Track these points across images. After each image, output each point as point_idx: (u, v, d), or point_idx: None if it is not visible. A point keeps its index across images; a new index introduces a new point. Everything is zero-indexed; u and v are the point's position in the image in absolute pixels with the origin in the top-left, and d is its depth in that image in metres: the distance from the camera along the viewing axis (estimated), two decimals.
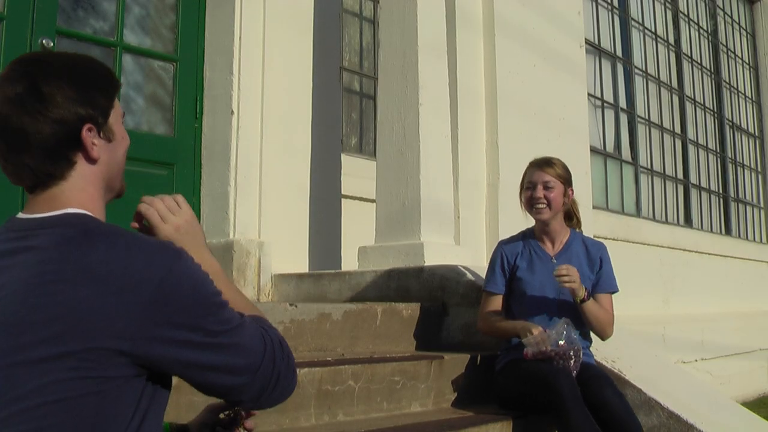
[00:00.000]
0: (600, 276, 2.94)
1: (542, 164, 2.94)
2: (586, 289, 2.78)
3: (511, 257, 3.00)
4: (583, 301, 2.76)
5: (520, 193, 3.01)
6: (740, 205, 9.31)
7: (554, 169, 2.92)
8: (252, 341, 1.26)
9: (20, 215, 1.27)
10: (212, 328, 1.20)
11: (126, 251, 1.18)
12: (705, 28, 9.15)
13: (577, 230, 3.06)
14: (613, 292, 2.96)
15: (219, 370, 1.21)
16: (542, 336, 2.67)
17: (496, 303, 2.99)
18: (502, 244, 3.08)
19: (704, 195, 8.61)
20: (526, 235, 3.05)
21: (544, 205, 2.89)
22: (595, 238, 3.29)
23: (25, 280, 1.17)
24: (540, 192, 2.89)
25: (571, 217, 3.06)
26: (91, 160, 1.29)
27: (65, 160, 1.26)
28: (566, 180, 2.95)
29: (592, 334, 2.95)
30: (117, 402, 1.16)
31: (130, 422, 1.17)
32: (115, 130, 1.34)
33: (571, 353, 2.66)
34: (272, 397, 1.30)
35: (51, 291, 1.14)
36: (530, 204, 2.93)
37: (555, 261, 2.93)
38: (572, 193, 2.99)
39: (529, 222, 3.06)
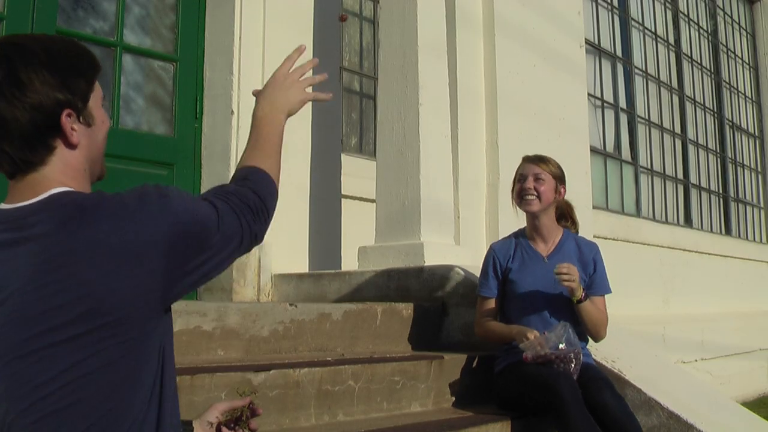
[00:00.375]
0: (594, 278, 2.92)
1: (535, 159, 2.96)
2: (583, 288, 2.78)
3: (503, 259, 2.98)
4: (580, 301, 2.75)
5: (512, 188, 3.00)
6: (740, 205, 9.31)
7: (547, 165, 2.92)
8: (233, 219, 1.31)
9: (3, 206, 1.25)
10: (215, 240, 1.27)
11: (129, 217, 1.19)
12: (705, 28, 9.15)
13: (572, 231, 3.04)
14: (606, 294, 2.94)
15: (225, 257, 1.30)
16: (539, 340, 2.67)
17: (491, 306, 2.98)
18: (494, 247, 3.07)
19: (704, 195, 8.61)
20: (517, 236, 3.04)
21: (534, 197, 2.87)
22: (593, 239, 3.29)
23: (33, 270, 1.16)
24: (530, 183, 2.88)
25: (565, 218, 3.05)
26: (71, 146, 1.27)
27: (44, 146, 1.25)
28: (558, 177, 2.93)
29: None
30: (148, 349, 1.21)
31: (156, 363, 1.23)
32: (95, 114, 1.32)
33: (572, 356, 2.66)
34: (261, 230, 1.38)
35: (67, 273, 1.14)
36: (520, 196, 2.92)
37: (547, 261, 2.91)
38: (564, 191, 2.96)
39: (522, 223, 3.04)
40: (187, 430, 1.47)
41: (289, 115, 1.55)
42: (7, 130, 1.22)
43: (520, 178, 2.95)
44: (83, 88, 1.29)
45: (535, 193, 2.87)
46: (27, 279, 1.15)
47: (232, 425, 1.47)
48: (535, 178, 2.88)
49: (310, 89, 1.48)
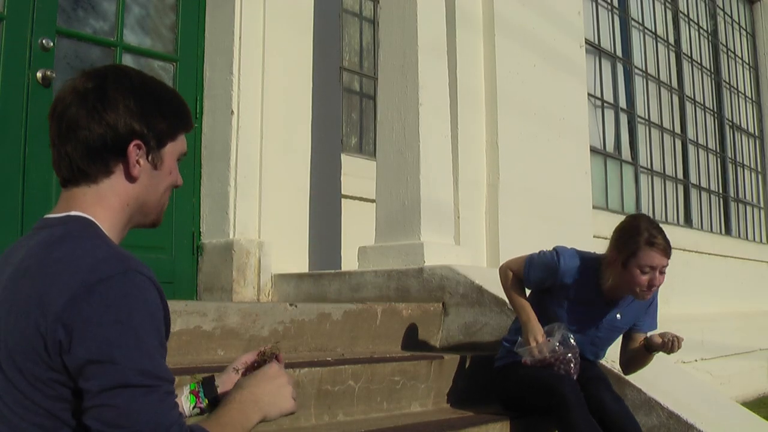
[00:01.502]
0: (646, 316, 2.83)
1: (667, 248, 2.65)
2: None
3: (572, 273, 2.73)
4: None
5: (627, 260, 2.62)
6: (740, 205, 9.31)
7: (671, 252, 2.68)
8: (153, 409, 1.13)
9: (47, 215, 1.31)
10: (118, 360, 1.11)
11: (81, 254, 1.19)
12: (705, 28, 9.15)
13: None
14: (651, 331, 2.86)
15: (98, 402, 1.12)
16: (540, 347, 2.66)
17: (523, 286, 2.84)
18: (567, 259, 2.75)
19: (704, 195, 8.61)
20: (594, 268, 2.75)
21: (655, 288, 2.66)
22: (595, 239, 3.27)
23: (9, 276, 1.22)
24: (660, 280, 2.64)
25: None
26: (130, 177, 1.30)
27: (103, 164, 1.28)
28: None
29: None
30: (59, 401, 1.16)
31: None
32: (165, 161, 1.34)
33: (570, 356, 2.66)
34: None
35: (18, 286, 1.19)
36: (642, 287, 2.62)
37: (606, 305, 2.75)
38: None
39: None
40: (209, 382, 1.49)
41: (263, 420, 1.33)
42: (77, 136, 1.26)
43: (647, 269, 2.61)
44: (162, 130, 1.32)
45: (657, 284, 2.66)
46: (6, 281, 1.23)
47: (256, 365, 1.48)
48: (660, 271, 2.63)
49: (293, 401, 1.36)
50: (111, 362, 1.11)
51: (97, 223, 1.27)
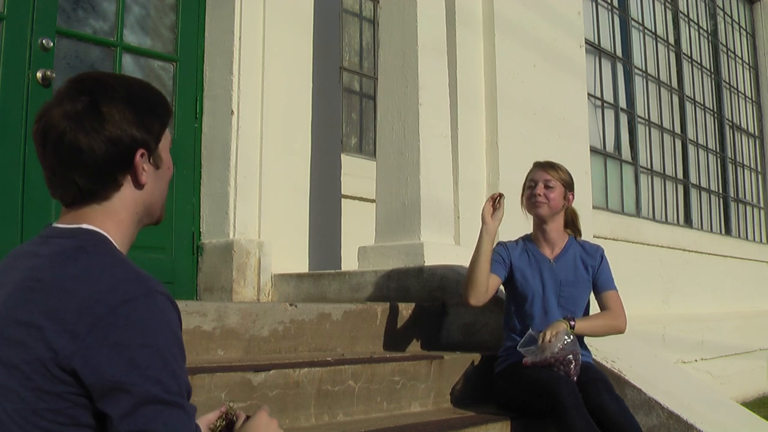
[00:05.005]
0: (599, 276, 2.96)
1: (545, 165, 3.00)
2: (566, 319, 2.78)
3: (512, 253, 3.01)
4: (572, 328, 2.76)
5: (522, 192, 3.04)
6: (740, 205, 9.31)
7: (557, 172, 2.97)
8: (179, 425, 1.14)
9: (54, 224, 1.29)
10: (147, 378, 1.12)
11: (99, 272, 1.17)
12: (705, 28, 9.15)
13: (577, 239, 3.06)
14: (613, 290, 2.97)
15: (131, 425, 1.11)
16: (542, 348, 2.67)
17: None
18: (502, 242, 3.09)
19: (704, 195, 8.61)
20: (524, 239, 3.08)
21: (544, 202, 2.93)
22: (595, 239, 3.29)
23: (17, 284, 1.19)
24: (540, 189, 2.93)
25: (569, 225, 3.07)
26: (139, 185, 1.29)
27: (113, 181, 1.26)
28: (568, 184, 2.99)
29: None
30: (63, 416, 1.14)
31: None
32: (163, 158, 1.34)
33: (570, 357, 2.66)
34: None
35: (28, 298, 1.16)
36: (530, 201, 2.97)
37: (553, 264, 2.94)
38: (572, 198, 3.01)
39: (529, 227, 3.07)
40: None
41: None
42: (82, 161, 1.23)
43: (530, 184, 2.99)
44: (157, 130, 1.31)
45: (545, 199, 2.92)
46: (10, 289, 1.19)
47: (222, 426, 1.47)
48: (545, 185, 2.93)
49: None
50: (140, 383, 1.11)
51: (110, 238, 1.26)
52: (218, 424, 1.43)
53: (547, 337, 2.69)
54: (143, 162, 1.28)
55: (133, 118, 1.26)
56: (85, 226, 1.25)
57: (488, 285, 2.91)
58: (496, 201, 2.89)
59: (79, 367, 1.11)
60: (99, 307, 1.12)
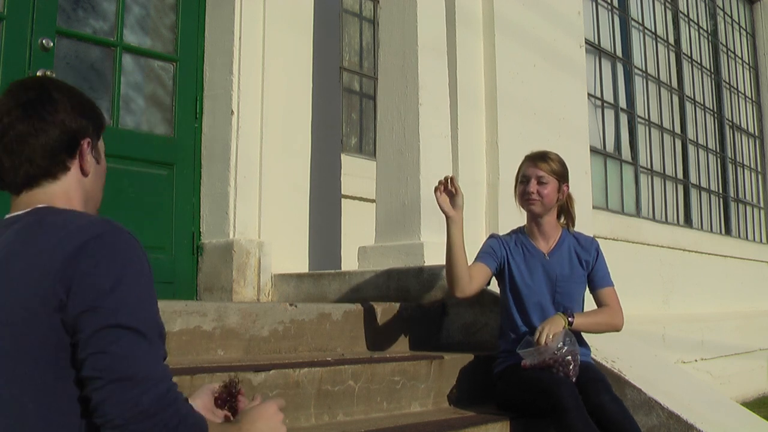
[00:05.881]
0: (596, 272, 2.93)
1: (537, 159, 2.91)
2: (564, 313, 2.76)
3: (506, 246, 2.96)
4: (571, 324, 2.74)
5: (515, 187, 2.99)
6: (740, 205, 9.31)
7: (549, 165, 2.89)
8: (147, 355, 1.18)
9: (6, 216, 1.36)
10: (112, 304, 1.17)
11: (63, 221, 1.26)
12: (705, 28, 9.15)
13: (570, 230, 3.02)
14: (609, 286, 2.94)
15: (92, 348, 1.16)
16: (542, 349, 2.66)
17: (475, 266, 2.90)
18: (495, 234, 3.07)
19: (704, 195, 8.61)
20: (517, 232, 3.03)
21: (537, 199, 2.87)
22: (595, 239, 3.27)
23: None
24: (533, 187, 2.87)
25: (566, 213, 3.03)
26: (84, 172, 1.40)
27: (61, 163, 1.36)
28: (561, 175, 2.92)
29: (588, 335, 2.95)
30: (51, 361, 1.19)
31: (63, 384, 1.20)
32: (102, 155, 1.46)
33: (570, 358, 2.66)
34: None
35: (7, 268, 1.23)
36: (523, 198, 2.92)
37: (548, 258, 2.92)
38: (567, 189, 2.95)
39: (524, 219, 3.05)
40: None
41: None
42: (36, 141, 1.33)
43: (522, 179, 2.93)
44: (98, 127, 1.43)
45: (538, 196, 2.87)
46: None
47: (220, 402, 1.50)
48: (538, 181, 2.87)
49: None
50: (104, 307, 1.17)
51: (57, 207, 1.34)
52: (219, 390, 1.49)
53: (545, 334, 2.65)
54: (88, 150, 1.39)
55: (80, 108, 1.38)
56: (39, 206, 1.33)
57: (471, 275, 2.83)
58: (448, 186, 2.79)
59: (62, 299, 1.17)
60: (69, 247, 1.19)
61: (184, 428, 1.18)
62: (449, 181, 2.80)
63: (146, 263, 1.27)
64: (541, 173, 2.87)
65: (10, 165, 1.33)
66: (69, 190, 1.37)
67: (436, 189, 2.83)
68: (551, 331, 2.66)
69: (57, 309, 1.17)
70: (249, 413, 1.40)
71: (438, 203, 2.82)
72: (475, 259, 2.96)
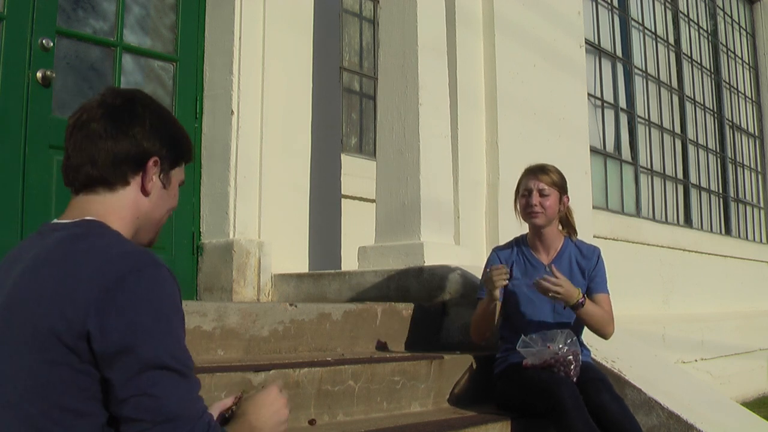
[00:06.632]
0: (593, 278, 2.92)
1: (537, 171, 2.92)
2: (582, 292, 2.76)
3: (507, 261, 2.97)
4: (577, 306, 2.73)
5: (515, 199, 2.99)
6: (740, 205, 9.31)
7: (549, 177, 2.90)
8: (186, 394, 1.21)
9: (55, 220, 1.35)
10: (151, 343, 1.18)
11: (107, 245, 1.24)
12: (705, 28, 9.15)
13: (573, 239, 3.01)
14: (604, 293, 2.93)
15: (134, 389, 1.17)
16: (542, 351, 2.67)
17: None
18: (497, 250, 3.06)
19: (704, 195, 8.61)
20: (518, 243, 3.03)
21: (541, 212, 2.88)
22: (595, 239, 3.28)
23: (26, 267, 1.25)
24: (536, 199, 2.87)
25: (566, 224, 3.04)
26: (144, 191, 1.37)
27: (122, 174, 1.35)
28: (561, 187, 2.93)
29: (591, 334, 2.95)
30: (85, 392, 1.18)
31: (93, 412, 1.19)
32: (173, 183, 1.43)
33: (571, 358, 2.66)
34: None
35: (40, 274, 1.22)
36: (525, 211, 2.92)
37: (548, 269, 2.86)
38: (567, 201, 2.97)
39: (524, 228, 3.05)
40: None
41: None
42: (104, 145, 1.33)
43: (524, 192, 2.93)
44: (176, 155, 1.42)
45: (541, 208, 2.88)
46: (23, 275, 1.24)
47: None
48: (540, 194, 2.88)
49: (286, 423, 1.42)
50: (144, 347, 1.16)
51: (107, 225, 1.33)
52: (233, 408, 1.46)
53: (559, 278, 2.66)
54: (154, 171, 1.37)
55: (160, 131, 1.37)
56: (88, 218, 1.31)
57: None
58: (505, 275, 2.77)
59: (91, 331, 1.15)
60: (108, 276, 1.18)
61: None
62: (505, 274, 2.77)
63: (180, 298, 1.27)
64: (542, 185, 2.89)
65: (76, 162, 1.33)
66: (124, 207, 1.35)
67: (498, 278, 2.76)
68: (565, 289, 2.66)
69: (82, 336, 1.15)
70: (252, 401, 1.40)
71: (492, 291, 2.78)
72: (480, 291, 2.96)
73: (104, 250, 1.23)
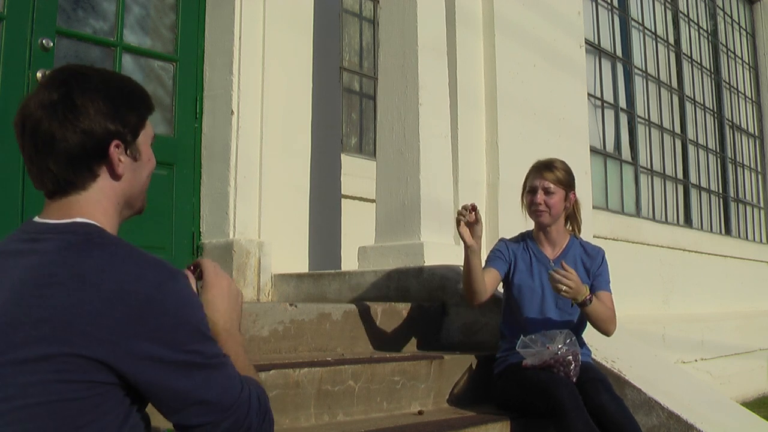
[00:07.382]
0: (597, 276, 2.93)
1: (543, 168, 2.91)
2: (589, 290, 2.76)
3: (514, 251, 2.98)
4: (584, 303, 2.72)
5: (522, 195, 3.00)
6: (740, 205, 9.31)
7: (555, 174, 2.89)
8: (228, 381, 1.25)
9: (36, 219, 1.30)
10: (189, 352, 1.20)
11: (121, 262, 1.20)
12: (705, 28, 9.15)
13: (577, 236, 3.03)
14: (607, 291, 2.94)
15: (188, 400, 1.20)
16: (542, 352, 2.66)
17: (487, 272, 2.90)
18: (505, 239, 3.07)
19: (704, 195, 8.61)
20: (525, 238, 3.04)
21: (545, 210, 2.89)
22: (595, 239, 3.28)
23: (24, 281, 1.19)
24: (540, 198, 2.88)
25: (572, 219, 3.04)
26: (115, 176, 1.32)
27: (88, 171, 1.29)
28: (567, 184, 2.92)
29: (591, 334, 2.95)
30: (98, 409, 1.17)
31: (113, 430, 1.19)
32: (142, 150, 1.36)
33: (570, 358, 2.66)
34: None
35: (45, 294, 1.16)
36: (531, 209, 2.93)
37: (553, 264, 2.90)
38: (574, 197, 2.96)
39: (529, 224, 3.05)
40: None
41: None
42: (55, 149, 1.26)
43: (530, 189, 2.92)
44: (134, 123, 1.33)
45: (546, 207, 2.88)
46: (17, 288, 1.19)
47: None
48: (545, 192, 2.87)
49: (239, 293, 1.44)
50: (200, 353, 1.21)
51: (105, 229, 1.29)
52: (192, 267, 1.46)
53: (570, 272, 2.63)
54: (119, 153, 1.31)
55: (108, 110, 1.28)
56: (78, 219, 1.27)
57: (487, 284, 2.86)
58: (468, 213, 2.73)
59: (119, 356, 1.15)
60: (131, 297, 1.16)
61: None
62: (470, 211, 2.74)
63: (192, 290, 1.29)
64: (547, 184, 2.88)
65: (37, 173, 1.29)
66: (102, 199, 1.30)
67: (458, 220, 2.76)
68: (575, 284, 2.63)
69: (105, 358, 1.15)
70: (212, 302, 1.37)
71: (459, 233, 2.78)
72: (486, 263, 2.96)
73: (119, 267, 1.19)
